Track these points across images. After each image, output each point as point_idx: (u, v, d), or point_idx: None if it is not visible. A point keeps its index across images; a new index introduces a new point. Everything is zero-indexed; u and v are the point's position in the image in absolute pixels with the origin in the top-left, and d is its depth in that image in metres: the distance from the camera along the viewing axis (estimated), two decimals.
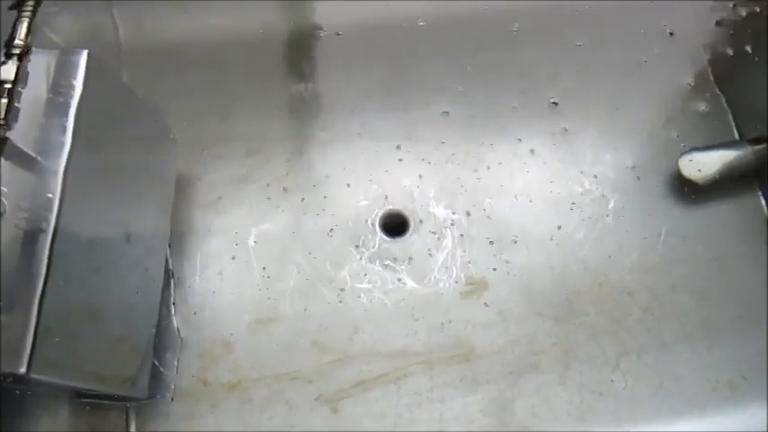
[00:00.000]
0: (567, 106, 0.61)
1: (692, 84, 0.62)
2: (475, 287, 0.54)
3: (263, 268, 0.54)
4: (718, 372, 0.52)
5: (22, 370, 0.35)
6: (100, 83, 0.41)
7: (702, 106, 0.61)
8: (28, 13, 0.37)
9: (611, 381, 0.51)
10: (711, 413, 0.50)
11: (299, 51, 0.63)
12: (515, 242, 0.55)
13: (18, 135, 0.37)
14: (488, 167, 0.58)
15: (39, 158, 0.38)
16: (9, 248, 0.36)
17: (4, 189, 0.37)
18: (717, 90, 0.62)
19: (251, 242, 0.55)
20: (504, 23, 0.65)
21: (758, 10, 0.64)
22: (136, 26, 0.63)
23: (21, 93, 0.36)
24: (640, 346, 0.52)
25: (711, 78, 0.63)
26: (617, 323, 0.53)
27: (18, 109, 0.36)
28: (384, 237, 0.55)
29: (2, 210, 0.37)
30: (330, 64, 0.62)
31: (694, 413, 0.50)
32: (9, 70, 0.35)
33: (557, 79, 0.62)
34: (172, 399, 0.50)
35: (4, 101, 0.35)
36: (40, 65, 0.39)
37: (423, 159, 0.58)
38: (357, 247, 0.55)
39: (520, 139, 0.60)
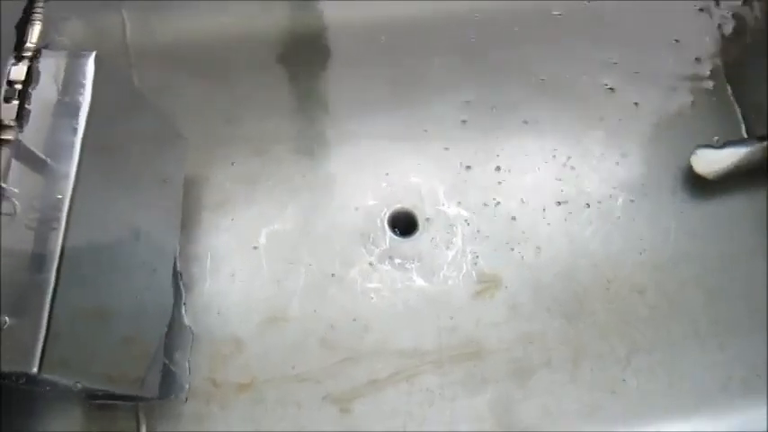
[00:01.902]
0: (576, 104, 0.61)
1: (703, 81, 0.62)
2: (485, 285, 0.54)
3: (273, 268, 0.54)
4: (729, 369, 0.51)
5: (34, 370, 0.35)
6: (109, 84, 0.41)
7: (712, 103, 0.61)
8: (39, 16, 0.37)
9: (622, 379, 0.51)
10: (723, 411, 0.50)
11: (308, 51, 0.63)
12: (524, 240, 0.55)
13: (29, 137, 0.38)
14: (497, 165, 0.58)
15: (49, 160, 0.38)
16: (21, 248, 0.36)
17: (15, 190, 0.37)
18: (727, 88, 0.62)
19: (260, 242, 0.55)
20: (513, 22, 0.64)
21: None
22: (144, 28, 0.63)
23: (31, 95, 0.36)
24: (650, 343, 0.52)
25: (722, 75, 0.62)
26: (627, 321, 0.53)
27: (29, 111, 0.36)
28: (393, 235, 0.55)
29: (14, 210, 0.37)
30: (339, 63, 0.62)
31: (706, 411, 0.50)
32: (20, 72, 0.36)
33: (565, 77, 0.62)
34: (186, 399, 0.50)
35: (16, 102, 0.35)
36: (50, 67, 0.40)
37: (432, 157, 0.58)
38: (367, 246, 0.55)
39: (529, 137, 0.60)
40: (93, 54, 0.41)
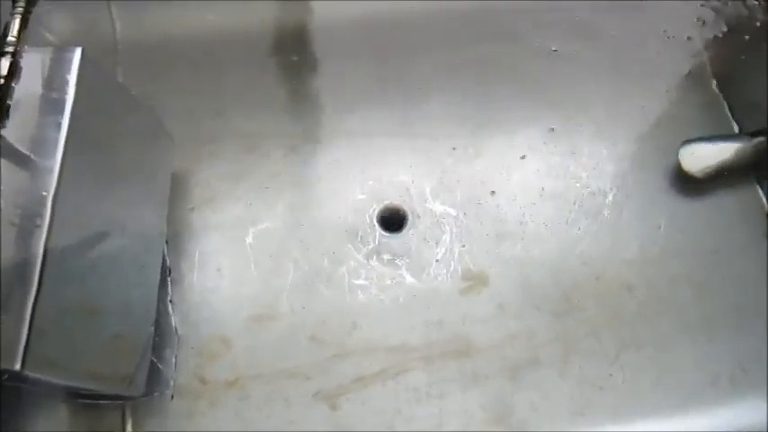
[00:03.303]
0: (564, 100, 0.61)
1: (691, 77, 0.62)
2: (473, 282, 0.54)
3: (261, 265, 0.54)
4: (718, 365, 0.51)
5: (17, 367, 0.34)
6: (94, 80, 0.41)
7: (701, 99, 0.61)
8: (20, 10, 0.37)
9: (611, 375, 0.51)
10: (711, 406, 0.50)
11: (296, 48, 0.63)
12: (513, 236, 0.55)
13: (12, 133, 0.37)
14: (486, 162, 0.58)
15: (33, 156, 0.38)
16: (4, 245, 0.36)
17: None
18: (715, 83, 0.62)
19: (248, 239, 0.55)
20: (502, 18, 0.64)
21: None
22: (132, 23, 0.63)
23: (14, 89, 0.36)
24: (639, 339, 0.52)
25: (710, 72, 0.62)
26: (616, 317, 0.53)
27: (11, 106, 0.36)
28: (382, 232, 0.55)
29: None
30: (327, 60, 0.62)
31: (694, 406, 0.50)
32: (1, 67, 0.35)
33: (554, 73, 0.62)
34: (172, 397, 0.50)
35: None
36: (34, 62, 0.39)
37: (420, 154, 0.58)
38: (355, 242, 0.55)
39: (518, 133, 0.59)
40: (79, 49, 0.41)
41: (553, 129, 0.60)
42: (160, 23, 0.63)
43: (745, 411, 0.50)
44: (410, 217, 0.56)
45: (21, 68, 0.36)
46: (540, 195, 0.57)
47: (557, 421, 0.50)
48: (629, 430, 0.50)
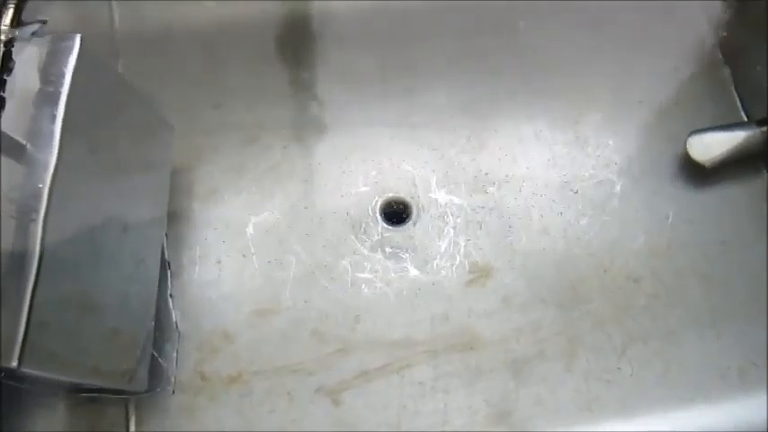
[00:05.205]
0: (570, 89, 0.60)
1: (700, 65, 0.61)
2: (478, 275, 0.53)
3: (262, 258, 0.53)
4: (726, 359, 0.51)
5: (14, 364, 0.34)
6: (91, 70, 0.41)
7: (710, 88, 0.60)
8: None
9: (618, 368, 0.50)
10: (720, 401, 0.50)
11: (297, 38, 0.62)
12: (518, 228, 0.55)
13: (7, 124, 0.37)
14: (491, 152, 0.57)
15: (29, 148, 0.37)
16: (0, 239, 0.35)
17: None
18: (725, 71, 0.61)
19: (249, 232, 0.54)
20: (506, 5, 0.64)
21: None
22: (131, 13, 0.62)
23: (6, 81, 0.35)
24: (647, 332, 0.51)
25: (719, 59, 0.62)
26: (623, 310, 0.52)
27: (4, 98, 0.35)
28: (385, 224, 0.55)
29: None
30: (328, 50, 0.62)
31: (702, 401, 0.50)
32: None
33: (560, 62, 0.61)
34: (173, 392, 0.49)
35: None
36: (31, 52, 0.39)
37: (424, 145, 0.58)
38: (358, 235, 0.54)
39: (523, 124, 0.59)
40: (78, 38, 0.40)
41: (560, 119, 0.59)
42: (159, 14, 0.63)
43: (755, 406, 0.50)
44: (414, 209, 0.55)
45: (14, 60, 0.36)
46: (546, 186, 0.56)
47: (563, 416, 0.49)
48: (637, 425, 0.49)
